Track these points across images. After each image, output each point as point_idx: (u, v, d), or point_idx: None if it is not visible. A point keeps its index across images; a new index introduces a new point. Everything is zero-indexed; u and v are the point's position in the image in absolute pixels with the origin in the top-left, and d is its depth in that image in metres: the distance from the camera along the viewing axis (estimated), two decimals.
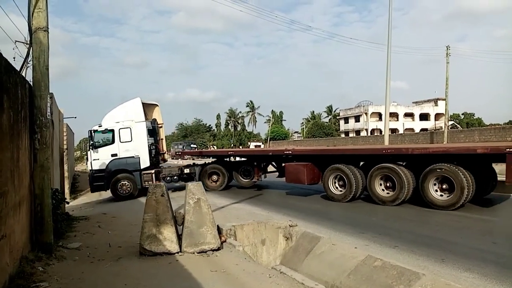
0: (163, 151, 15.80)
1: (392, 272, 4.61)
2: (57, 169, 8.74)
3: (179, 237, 5.65)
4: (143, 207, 5.70)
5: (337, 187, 10.73)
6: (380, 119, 58.16)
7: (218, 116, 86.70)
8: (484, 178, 9.61)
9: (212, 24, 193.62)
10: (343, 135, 62.79)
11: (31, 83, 5.47)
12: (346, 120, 66.90)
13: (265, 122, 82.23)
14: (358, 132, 61.99)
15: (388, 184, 9.88)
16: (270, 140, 64.49)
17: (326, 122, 75.33)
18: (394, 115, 58.88)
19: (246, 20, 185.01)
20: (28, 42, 5.79)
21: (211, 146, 75.49)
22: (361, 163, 11.14)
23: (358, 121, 63.22)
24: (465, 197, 8.65)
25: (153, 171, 13.90)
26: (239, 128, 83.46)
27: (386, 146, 14.70)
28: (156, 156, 14.56)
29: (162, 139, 15.80)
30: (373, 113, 60.94)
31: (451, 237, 6.97)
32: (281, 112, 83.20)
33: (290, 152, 12.72)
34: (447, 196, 8.86)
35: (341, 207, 10.78)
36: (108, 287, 4.21)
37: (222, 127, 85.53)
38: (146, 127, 13.97)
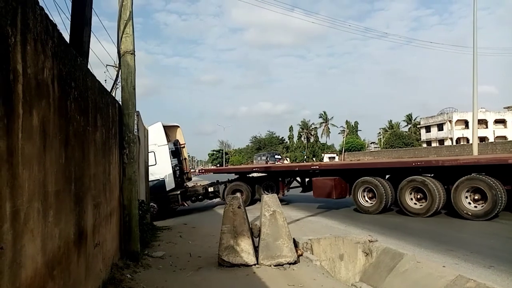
0: (187, 170, 15.84)
1: None
2: (143, 182, 9.36)
3: (256, 249, 5.69)
4: (220, 218, 5.84)
5: (367, 200, 10.94)
6: (467, 126, 53.82)
7: (291, 128, 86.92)
8: None
9: (283, 38, 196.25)
10: (424, 145, 59.10)
11: (120, 103, 5.95)
12: (428, 128, 62.88)
13: (339, 133, 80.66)
14: (441, 141, 57.90)
15: (418, 196, 10.01)
16: (344, 152, 62.83)
17: (406, 132, 71.61)
18: (482, 122, 54.09)
19: (318, 32, 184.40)
20: (117, 65, 6.31)
21: (285, 158, 75.67)
22: (387, 176, 11.40)
23: (442, 129, 59.10)
24: (498, 207, 8.70)
25: (178, 192, 14.05)
26: (312, 139, 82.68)
27: (415, 159, 14.20)
28: (181, 176, 14.54)
29: (185, 158, 15.82)
30: (458, 120, 56.63)
31: None
32: (356, 122, 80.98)
33: (317, 167, 13.01)
34: (481, 206, 8.99)
35: (424, 221, 10.07)
36: None
37: (295, 139, 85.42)
38: (169, 149, 14.13)
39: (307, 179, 13.79)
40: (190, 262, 5.87)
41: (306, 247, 6.29)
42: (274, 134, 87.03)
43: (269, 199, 5.93)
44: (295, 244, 6.03)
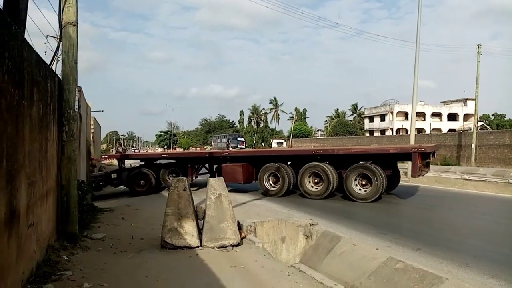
0: (91, 157, 15.02)
1: (414, 275, 4.50)
2: (83, 161, 8.98)
3: (200, 231, 5.70)
4: (165, 201, 5.78)
5: (271, 184, 11.81)
6: (406, 118, 56.92)
7: (242, 113, 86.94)
8: (392, 177, 11.27)
9: (236, 20, 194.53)
10: (367, 134, 61.84)
11: (60, 77, 5.62)
12: (371, 119, 65.77)
13: (288, 120, 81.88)
14: (383, 131, 60.89)
15: (316, 180, 11.18)
16: (292, 138, 64.15)
17: (351, 121, 74.36)
18: (421, 115, 57.52)
19: (272, 17, 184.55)
20: (58, 37, 5.93)
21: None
22: (289, 162, 12.25)
23: (384, 120, 62.05)
24: (380, 190, 10.16)
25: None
26: (262, 125, 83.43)
27: (315, 147, 16.09)
28: None
29: (88, 140, 15.18)
30: (399, 112, 59.69)
31: (477, 242, 6.78)
32: (304, 110, 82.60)
33: (227, 153, 13.71)
34: (367, 190, 10.37)
35: (363, 207, 10.65)
36: (129, 278, 4.28)
37: (245, 123, 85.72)
38: None
39: (215, 166, 13.94)
40: (132, 244, 5.77)
41: (250, 229, 6.41)
42: (225, 117, 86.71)
43: (215, 182, 5.95)
44: (239, 226, 6.12)
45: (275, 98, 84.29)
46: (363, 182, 10.42)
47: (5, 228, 2.92)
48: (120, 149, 55.36)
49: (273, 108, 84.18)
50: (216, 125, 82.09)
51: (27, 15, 5.10)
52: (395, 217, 9.13)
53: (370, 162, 10.75)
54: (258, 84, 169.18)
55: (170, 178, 13.87)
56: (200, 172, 14.64)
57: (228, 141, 50.70)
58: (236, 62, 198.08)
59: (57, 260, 4.42)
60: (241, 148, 46.95)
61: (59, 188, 5.39)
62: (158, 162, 14.87)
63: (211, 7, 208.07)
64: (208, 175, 14.27)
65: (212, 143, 59.84)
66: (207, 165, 14.37)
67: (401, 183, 17.17)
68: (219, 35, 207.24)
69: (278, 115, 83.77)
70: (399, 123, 59.14)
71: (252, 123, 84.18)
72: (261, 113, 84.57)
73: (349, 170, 10.57)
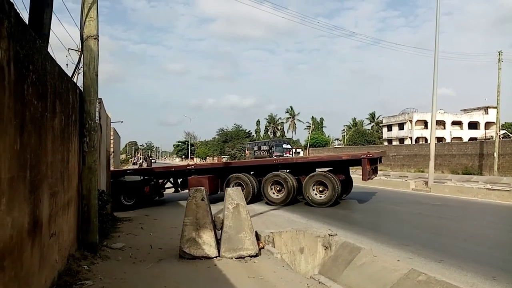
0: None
1: None
2: (104, 172, 9.10)
3: (218, 241, 5.69)
4: (183, 210, 5.80)
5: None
6: (426, 127, 56.01)
7: (258, 122, 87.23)
8: (346, 182, 12.25)
9: (252, 31, 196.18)
10: (386, 143, 60.99)
11: (82, 89, 5.74)
12: (390, 127, 64.93)
13: (305, 129, 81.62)
14: (402, 140, 59.99)
15: (278, 188, 11.73)
16: (309, 147, 63.80)
17: (368, 130, 73.60)
18: (440, 123, 56.51)
19: (288, 27, 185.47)
20: (80, 50, 6.08)
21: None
22: (252, 172, 12.73)
23: (402, 128, 61.19)
24: (336, 195, 10.98)
25: None
26: (278, 134, 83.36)
27: (275, 158, 18.00)
28: None
29: None
30: (418, 120, 58.79)
31: (503, 254, 6.55)
32: (321, 119, 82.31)
33: (193, 166, 14.04)
34: (324, 195, 11.13)
35: (383, 217, 10.48)
36: None
37: (262, 133, 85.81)
38: None
39: (180, 180, 13.95)
40: (151, 254, 5.79)
41: (268, 240, 6.36)
42: (241, 127, 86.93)
43: (233, 192, 5.94)
44: (257, 237, 6.09)
45: (291, 108, 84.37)
46: (321, 189, 11.22)
47: (28, 237, 2.97)
48: (141, 161, 54.97)
49: (290, 117, 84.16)
50: (232, 134, 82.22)
51: (50, 30, 5.26)
52: (417, 228, 8.93)
53: (327, 169, 11.62)
54: (274, 94, 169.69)
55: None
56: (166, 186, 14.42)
57: (270, 149, 43.93)
58: (252, 73, 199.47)
59: (78, 270, 4.47)
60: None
61: (80, 198, 5.47)
62: (123, 178, 13.63)
63: (227, 19, 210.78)
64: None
65: (246, 151, 53.02)
66: (172, 180, 14.23)
67: (422, 193, 17.00)
68: (235, 46, 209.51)
69: (295, 124, 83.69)
70: (418, 131, 58.22)
71: (269, 133, 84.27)
72: (277, 122, 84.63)
73: (307, 178, 11.34)
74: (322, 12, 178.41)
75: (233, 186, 12.11)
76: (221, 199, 12.59)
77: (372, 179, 12.20)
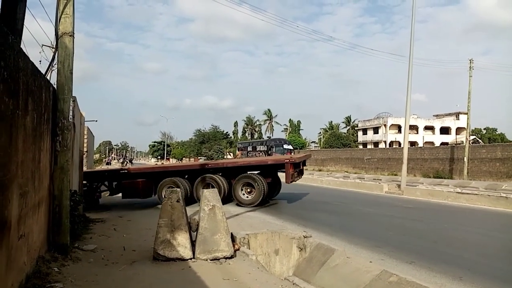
0: None
1: None
2: (76, 171, 8.90)
3: (193, 243, 5.65)
4: (158, 212, 5.74)
5: None
6: (400, 131, 57.35)
7: (236, 124, 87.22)
8: (274, 184, 12.89)
9: (231, 33, 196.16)
10: (361, 146, 62.13)
11: (55, 86, 5.60)
12: (365, 131, 66.18)
13: (282, 131, 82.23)
14: (376, 143, 61.23)
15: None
16: None
17: (344, 133, 74.79)
18: (414, 128, 58.01)
19: (267, 30, 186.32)
20: (54, 46, 5.94)
21: (227, 154, 75.66)
22: (186, 175, 12.98)
23: (377, 132, 62.46)
24: (263, 195, 11.54)
25: None
26: (256, 136, 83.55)
27: (207, 162, 18.42)
28: None
29: None
30: (392, 125, 60.15)
31: (471, 255, 6.78)
32: (298, 122, 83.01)
33: (126, 170, 13.85)
34: (251, 196, 11.73)
35: (356, 219, 10.67)
36: None
37: (239, 134, 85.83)
38: None
39: (115, 183, 13.63)
40: (124, 256, 5.70)
41: (243, 241, 6.36)
42: (218, 128, 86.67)
43: (209, 194, 5.91)
44: (233, 238, 6.08)
45: (269, 110, 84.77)
46: (248, 190, 11.81)
47: None
48: (124, 161, 54.56)
49: (267, 119, 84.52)
50: (210, 136, 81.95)
51: (23, 25, 5.11)
52: (389, 230, 9.13)
53: (256, 172, 12.18)
54: (252, 96, 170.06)
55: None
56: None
57: (269, 149, 39.66)
58: (231, 74, 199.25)
59: (48, 272, 4.35)
60: None
61: (51, 198, 5.33)
62: None
63: (206, 19, 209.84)
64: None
65: (237, 151, 49.27)
66: (106, 183, 13.90)
67: (394, 195, 17.41)
68: (214, 47, 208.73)
69: (272, 126, 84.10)
70: (392, 135, 59.58)
71: (246, 134, 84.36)
72: (255, 124, 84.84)
73: (236, 180, 11.92)
74: (301, 16, 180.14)
75: (166, 189, 12.04)
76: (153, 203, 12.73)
77: (295, 181, 12.84)
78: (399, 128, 58.63)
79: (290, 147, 41.96)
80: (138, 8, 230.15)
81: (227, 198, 12.10)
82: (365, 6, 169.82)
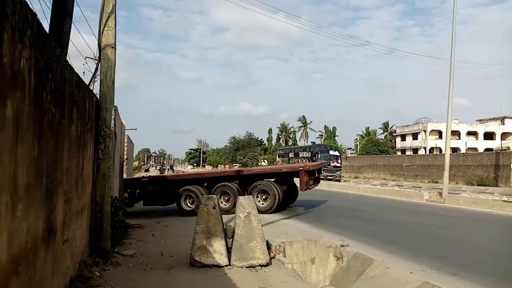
0: None
1: None
2: (117, 178, 9.20)
3: (229, 250, 5.68)
4: (193, 218, 5.81)
5: (188, 205, 12.35)
6: (440, 137, 55.29)
7: (270, 131, 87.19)
8: (289, 191, 12.80)
9: (266, 40, 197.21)
10: (399, 153, 60.37)
11: (98, 96, 5.84)
12: (403, 137, 64.26)
13: (317, 138, 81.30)
14: (416, 150, 59.30)
15: (226, 198, 12.23)
16: None
17: (382, 139, 72.98)
18: (455, 133, 55.73)
19: (302, 36, 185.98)
20: (97, 58, 6.19)
21: (262, 160, 75.79)
22: (205, 183, 13.06)
23: (416, 138, 60.50)
24: (277, 202, 11.63)
25: None
26: (290, 142, 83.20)
27: (224, 170, 20.68)
28: None
29: None
30: (432, 130, 58.09)
31: None
32: (334, 128, 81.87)
33: (147, 178, 14.06)
34: (267, 203, 11.77)
35: (395, 228, 10.35)
36: None
37: (274, 141, 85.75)
38: None
39: (137, 191, 13.64)
40: (161, 262, 5.81)
41: (278, 249, 6.33)
42: (253, 135, 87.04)
43: (245, 201, 5.94)
44: (268, 246, 6.06)
45: (303, 116, 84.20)
46: (264, 197, 11.90)
47: (42, 243, 3.01)
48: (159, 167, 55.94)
49: (302, 126, 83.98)
50: (244, 143, 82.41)
51: (69, 39, 5.37)
52: (430, 240, 8.79)
53: (272, 180, 12.30)
54: (286, 103, 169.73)
55: None
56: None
57: (313, 156, 36.09)
58: (265, 81, 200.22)
59: (89, 276, 4.50)
60: (335, 166, 35.54)
61: (93, 205, 5.53)
62: None
63: (241, 28, 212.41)
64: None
65: (277, 158, 46.58)
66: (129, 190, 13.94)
67: (436, 204, 16.75)
68: (248, 55, 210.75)
69: (307, 133, 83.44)
70: (432, 141, 57.51)
71: (281, 141, 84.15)
72: (289, 131, 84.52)
73: (252, 188, 12.06)
74: (336, 21, 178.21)
75: (185, 198, 12.39)
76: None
77: (310, 189, 13.02)
78: (439, 133, 56.55)
79: (337, 153, 38.47)
80: (175, 19, 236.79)
81: None
82: (403, 9, 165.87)
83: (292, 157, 41.74)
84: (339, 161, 37.23)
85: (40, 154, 2.87)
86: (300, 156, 39.48)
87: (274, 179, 12.49)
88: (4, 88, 2.14)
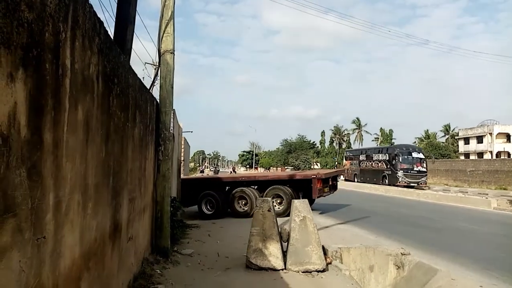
0: None
1: None
2: (175, 179, 9.52)
3: (284, 253, 5.62)
4: (247, 220, 5.82)
5: (208, 208, 12.43)
6: (508, 140, 51.43)
7: (323, 133, 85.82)
8: (306, 195, 12.26)
9: (317, 42, 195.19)
10: (462, 157, 56.85)
11: (158, 100, 6.06)
12: (467, 140, 60.42)
13: (372, 141, 78.83)
14: (480, 154, 55.53)
15: (244, 202, 12.38)
16: None
17: (443, 143, 69.13)
18: None
19: (354, 36, 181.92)
20: (156, 64, 6.42)
21: (315, 164, 74.89)
22: (227, 187, 13.17)
23: (481, 142, 56.64)
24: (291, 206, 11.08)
25: None
26: (344, 145, 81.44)
27: (242, 174, 19.49)
28: None
29: None
30: (499, 133, 54.07)
31: None
32: (390, 131, 78.87)
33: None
34: (280, 207, 11.94)
35: (460, 237, 9.71)
36: None
37: (327, 144, 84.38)
38: None
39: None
40: (218, 262, 5.88)
41: (335, 255, 6.16)
42: (305, 138, 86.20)
43: (300, 205, 5.86)
44: (324, 251, 5.92)
45: (358, 119, 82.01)
46: (278, 201, 12.12)
47: (109, 240, 3.15)
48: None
49: (356, 128, 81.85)
50: (296, 145, 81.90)
51: (132, 46, 5.62)
52: (500, 251, 8.13)
53: (286, 185, 12.48)
54: (339, 105, 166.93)
55: None
56: None
57: (393, 159, 31.22)
58: (317, 83, 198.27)
59: (151, 274, 4.66)
60: (419, 172, 30.60)
61: (154, 204, 5.74)
62: None
63: (292, 30, 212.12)
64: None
65: (345, 161, 42.66)
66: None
67: (505, 212, 15.51)
68: (300, 57, 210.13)
69: (362, 136, 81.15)
70: (499, 145, 53.54)
71: (334, 144, 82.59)
72: (343, 133, 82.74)
73: (267, 191, 12.31)
74: (392, 20, 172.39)
75: (205, 202, 12.43)
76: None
77: (324, 196, 13.19)
78: (507, 136, 52.57)
79: (421, 155, 32.13)
80: (229, 24, 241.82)
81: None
82: (465, 6, 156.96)
83: (363, 160, 36.63)
84: (424, 165, 31.46)
85: (107, 155, 3.01)
86: (375, 159, 34.36)
87: (288, 185, 12.65)
88: (76, 93, 2.26)
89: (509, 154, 48.23)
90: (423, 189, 27.58)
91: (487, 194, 25.51)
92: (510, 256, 7.77)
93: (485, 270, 6.41)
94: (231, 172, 56.06)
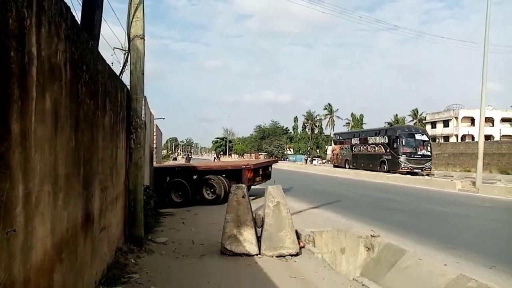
0: None
1: None
2: (147, 167, 9.38)
3: (258, 239, 5.70)
4: (221, 207, 5.86)
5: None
6: (473, 124, 53.45)
7: (296, 119, 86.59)
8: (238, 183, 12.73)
9: (289, 27, 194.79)
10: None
11: (128, 87, 5.92)
12: (434, 124, 62.47)
13: (344, 126, 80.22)
14: (446, 138, 57.60)
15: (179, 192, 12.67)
16: None
17: None
18: (489, 120, 53.64)
19: (326, 21, 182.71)
20: (126, 49, 6.26)
21: (288, 149, 75.58)
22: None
23: (447, 126, 58.71)
24: (223, 195, 11.96)
25: None
26: (316, 131, 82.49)
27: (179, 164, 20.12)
28: None
29: None
30: (464, 117, 56.18)
31: None
32: (361, 115, 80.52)
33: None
34: (214, 196, 12.44)
35: (427, 219, 10.13)
36: (191, 284, 4.38)
37: (299, 129, 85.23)
38: None
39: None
40: (193, 249, 5.91)
41: (308, 239, 6.30)
42: (278, 123, 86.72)
43: (274, 190, 5.93)
44: (298, 236, 6.04)
45: (329, 104, 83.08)
46: (212, 190, 12.59)
47: (82, 231, 3.10)
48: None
49: (328, 114, 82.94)
50: (270, 131, 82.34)
51: (100, 31, 5.45)
52: (464, 231, 8.55)
53: (221, 175, 12.90)
54: (311, 90, 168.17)
55: None
56: None
57: (393, 142, 27.53)
58: (289, 68, 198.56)
59: (125, 263, 4.63)
60: (423, 156, 27.13)
61: (127, 193, 5.66)
62: None
63: (264, 15, 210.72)
64: None
65: (333, 145, 38.50)
66: None
67: (469, 194, 16.26)
68: (272, 42, 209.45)
69: (334, 121, 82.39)
70: (464, 129, 55.69)
71: (307, 129, 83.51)
72: (315, 119, 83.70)
73: (201, 181, 12.75)
74: (362, 5, 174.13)
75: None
76: None
77: (255, 185, 13.70)
78: (472, 120, 54.66)
79: (425, 137, 28.26)
80: (200, 8, 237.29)
81: (194, 196, 12.78)
82: None
83: (356, 144, 32.63)
84: (428, 148, 27.85)
85: (77, 145, 2.94)
86: (371, 142, 30.40)
87: (224, 175, 13.00)
88: (43, 82, 2.19)
89: (473, 138, 50.19)
90: (428, 176, 24.73)
91: (452, 176, 26.60)
92: (473, 235, 8.18)
93: (450, 249, 6.72)
94: (214, 159, 56.39)
